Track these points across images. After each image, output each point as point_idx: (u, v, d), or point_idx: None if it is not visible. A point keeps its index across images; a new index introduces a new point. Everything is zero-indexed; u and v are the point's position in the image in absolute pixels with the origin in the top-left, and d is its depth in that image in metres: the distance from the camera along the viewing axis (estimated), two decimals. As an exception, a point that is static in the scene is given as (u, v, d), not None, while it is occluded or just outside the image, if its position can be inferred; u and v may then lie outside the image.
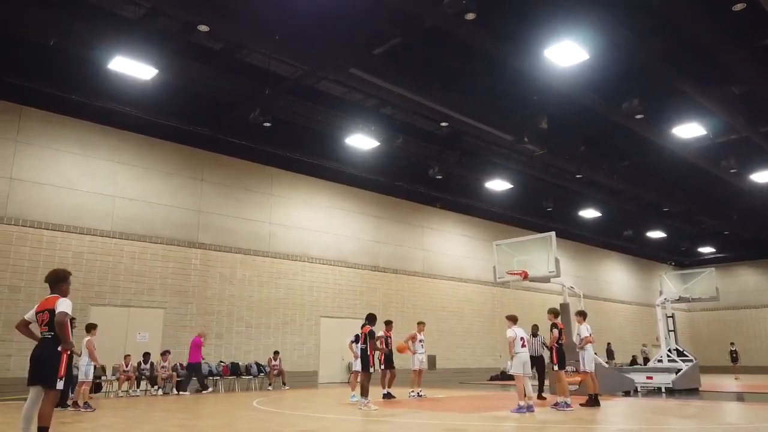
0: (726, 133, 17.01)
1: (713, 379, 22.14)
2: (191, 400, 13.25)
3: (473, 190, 22.63)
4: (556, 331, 10.80)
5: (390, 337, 13.31)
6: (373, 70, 12.94)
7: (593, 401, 10.80)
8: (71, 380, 11.32)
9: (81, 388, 10.84)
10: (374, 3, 11.70)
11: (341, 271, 20.42)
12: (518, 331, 10.13)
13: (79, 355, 10.73)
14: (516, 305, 25.57)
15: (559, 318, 11.23)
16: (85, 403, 10.71)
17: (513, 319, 10.35)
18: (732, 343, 25.85)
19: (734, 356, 24.85)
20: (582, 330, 11.15)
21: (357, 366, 12.48)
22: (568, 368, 11.63)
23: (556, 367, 10.74)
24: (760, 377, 25.49)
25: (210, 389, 15.58)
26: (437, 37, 12.72)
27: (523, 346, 10.07)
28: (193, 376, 15.39)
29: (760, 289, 34.34)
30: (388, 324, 13.34)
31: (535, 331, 13.43)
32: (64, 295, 5.89)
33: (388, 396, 12.71)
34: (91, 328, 11.07)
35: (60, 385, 5.62)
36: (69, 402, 10.83)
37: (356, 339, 12.32)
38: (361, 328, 12.13)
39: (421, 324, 14.13)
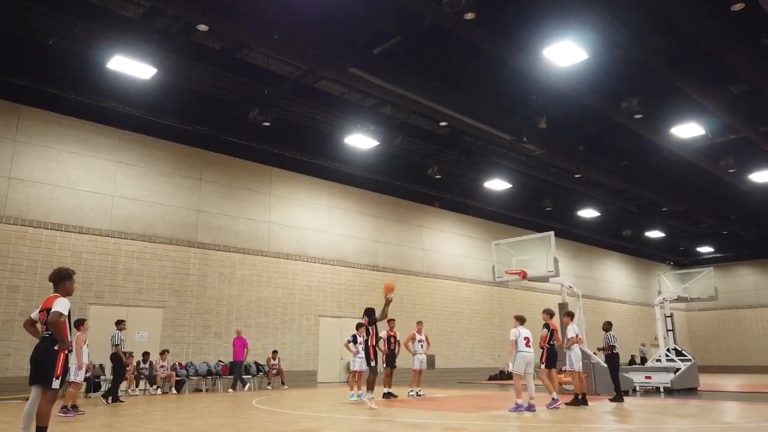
0: (725, 133, 17.03)
1: (712, 379, 22.17)
2: (192, 399, 13.25)
3: (472, 189, 22.66)
4: (545, 331, 10.93)
5: (394, 336, 13.31)
6: (372, 70, 12.94)
7: (580, 401, 10.86)
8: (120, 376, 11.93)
9: (69, 389, 9.88)
10: (374, 2, 11.71)
11: (340, 270, 20.42)
12: (522, 331, 10.16)
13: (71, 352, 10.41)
14: (515, 305, 25.60)
15: (554, 319, 11.32)
16: (73, 405, 9.85)
17: (520, 320, 10.41)
18: None
19: None
20: (568, 331, 11.43)
21: (355, 366, 12.48)
22: (564, 368, 11.73)
23: (543, 366, 10.88)
24: (759, 377, 25.52)
25: (248, 386, 16.35)
26: (437, 37, 12.74)
27: (527, 345, 10.09)
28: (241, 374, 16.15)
29: (759, 288, 34.37)
30: (391, 322, 13.32)
31: (607, 327, 12.52)
32: (67, 293, 5.88)
33: (389, 395, 12.71)
34: (80, 323, 10.10)
35: (56, 384, 5.62)
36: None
37: (354, 339, 12.30)
38: (357, 329, 12.14)
39: (419, 324, 14.12)
